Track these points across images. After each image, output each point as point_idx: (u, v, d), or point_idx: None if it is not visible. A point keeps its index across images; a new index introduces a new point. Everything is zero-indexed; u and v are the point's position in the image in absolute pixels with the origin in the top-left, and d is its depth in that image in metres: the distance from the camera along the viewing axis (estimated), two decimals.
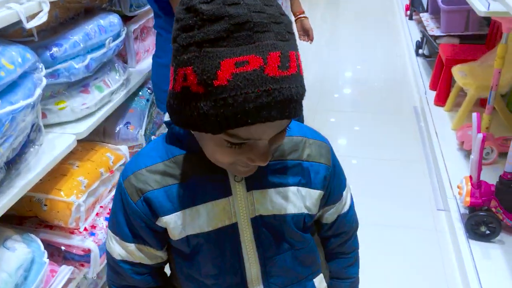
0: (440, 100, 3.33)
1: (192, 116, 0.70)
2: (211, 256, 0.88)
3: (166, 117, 0.86)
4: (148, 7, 2.12)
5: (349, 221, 1.02)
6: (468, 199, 2.15)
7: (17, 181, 1.35)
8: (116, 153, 1.80)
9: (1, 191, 1.30)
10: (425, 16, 3.86)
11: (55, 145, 1.54)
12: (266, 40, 0.67)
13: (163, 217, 0.85)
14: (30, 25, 1.29)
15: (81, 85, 1.67)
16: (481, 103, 3.10)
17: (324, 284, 1.02)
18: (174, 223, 0.85)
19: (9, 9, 1.25)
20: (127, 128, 1.90)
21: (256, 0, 0.69)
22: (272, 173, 0.86)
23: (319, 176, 0.90)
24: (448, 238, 2.30)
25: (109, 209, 1.48)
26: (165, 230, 0.87)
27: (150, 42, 2.20)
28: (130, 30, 2.00)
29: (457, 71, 3.04)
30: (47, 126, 1.60)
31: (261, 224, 0.87)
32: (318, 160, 0.90)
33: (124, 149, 1.85)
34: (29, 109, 1.26)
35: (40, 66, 1.36)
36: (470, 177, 2.19)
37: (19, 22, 1.29)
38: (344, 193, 0.99)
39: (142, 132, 1.89)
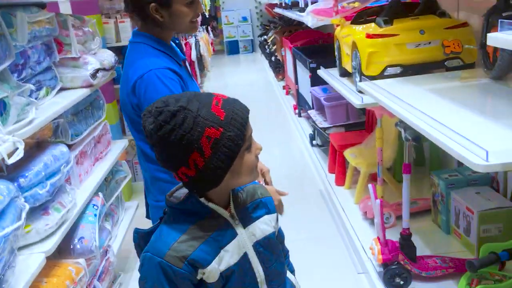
0: (340, 181, 3.85)
1: (231, 146, 1.13)
2: (239, 279, 1.22)
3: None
4: (84, 134, 2.41)
5: (281, 231, 1.45)
6: (380, 256, 2.55)
7: None
8: (77, 266, 1.98)
9: None
10: (312, 113, 4.49)
11: (28, 264, 1.70)
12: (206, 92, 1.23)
13: (206, 268, 1.16)
14: (10, 161, 1.52)
15: (42, 208, 1.87)
16: (372, 177, 3.65)
17: (290, 275, 1.46)
18: (214, 268, 1.17)
19: None
20: (82, 243, 2.09)
21: None
22: (250, 212, 1.29)
23: (271, 205, 1.36)
24: None
25: None
26: (200, 280, 1.17)
27: (87, 165, 2.45)
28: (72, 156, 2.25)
29: (349, 154, 3.60)
30: None
31: (258, 246, 1.26)
32: (266, 195, 1.37)
33: (82, 262, 2.03)
34: (17, 231, 1.46)
35: (18, 195, 1.58)
36: (378, 238, 2.61)
37: None
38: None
39: (96, 243, 2.09)
